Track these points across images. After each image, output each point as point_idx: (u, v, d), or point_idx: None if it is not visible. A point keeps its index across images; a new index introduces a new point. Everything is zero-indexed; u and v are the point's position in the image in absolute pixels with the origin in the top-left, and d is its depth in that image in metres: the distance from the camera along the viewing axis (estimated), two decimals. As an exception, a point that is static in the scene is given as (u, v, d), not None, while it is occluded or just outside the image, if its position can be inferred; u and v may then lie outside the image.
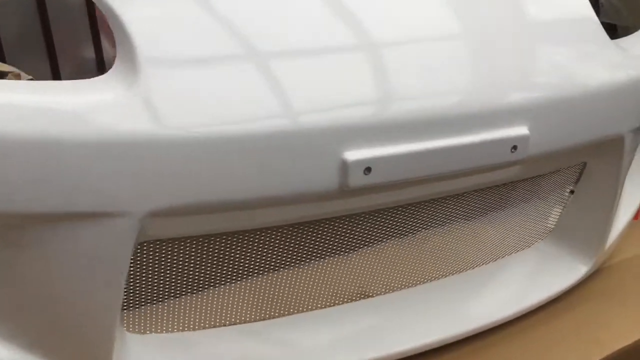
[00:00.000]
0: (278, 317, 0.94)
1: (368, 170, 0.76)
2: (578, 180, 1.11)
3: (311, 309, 0.97)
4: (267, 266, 0.89)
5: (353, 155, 0.74)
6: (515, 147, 0.85)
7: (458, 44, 0.83)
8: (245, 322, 0.93)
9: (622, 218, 1.20)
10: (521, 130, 0.85)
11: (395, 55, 0.78)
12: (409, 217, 0.98)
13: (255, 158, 0.70)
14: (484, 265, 1.13)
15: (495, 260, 1.13)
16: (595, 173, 1.08)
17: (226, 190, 0.71)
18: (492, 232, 1.10)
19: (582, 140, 0.94)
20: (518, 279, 1.12)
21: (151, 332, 0.88)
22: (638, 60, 0.98)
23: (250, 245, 0.86)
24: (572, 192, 1.13)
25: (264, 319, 0.93)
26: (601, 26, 0.97)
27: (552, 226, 1.17)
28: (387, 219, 0.96)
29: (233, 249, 0.85)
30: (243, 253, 0.86)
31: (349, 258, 0.97)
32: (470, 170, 0.84)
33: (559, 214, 1.15)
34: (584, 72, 0.92)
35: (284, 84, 0.72)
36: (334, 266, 0.95)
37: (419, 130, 0.78)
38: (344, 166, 0.74)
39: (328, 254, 0.93)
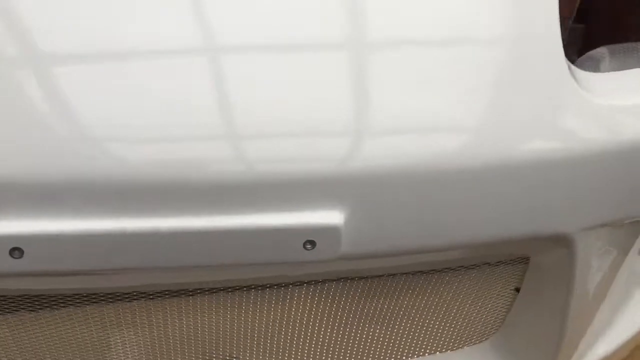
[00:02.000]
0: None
1: (18, 252, 0.49)
2: (524, 275, 0.73)
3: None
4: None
5: (-9, 227, 0.48)
6: (312, 243, 0.52)
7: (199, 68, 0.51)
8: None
9: (613, 336, 0.80)
10: (324, 217, 0.52)
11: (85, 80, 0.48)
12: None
13: None
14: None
15: None
16: (542, 271, 0.70)
17: None
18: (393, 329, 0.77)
19: (465, 240, 0.57)
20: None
21: None
22: (608, 116, 0.58)
23: None
24: (517, 290, 0.75)
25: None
26: (560, 50, 0.58)
27: (490, 331, 0.80)
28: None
29: None
30: None
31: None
32: (224, 266, 0.53)
33: (499, 316, 0.78)
34: (484, 132, 0.55)
35: None
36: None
37: (116, 201, 0.48)
38: (-24, 242, 0.48)
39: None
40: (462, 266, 0.69)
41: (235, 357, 0.74)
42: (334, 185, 0.51)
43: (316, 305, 0.70)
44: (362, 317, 0.73)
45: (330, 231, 0.52)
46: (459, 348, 0.80)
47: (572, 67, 0.63)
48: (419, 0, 0.58)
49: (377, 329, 0.75)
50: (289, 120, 0.51)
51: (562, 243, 0.63)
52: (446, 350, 0.80)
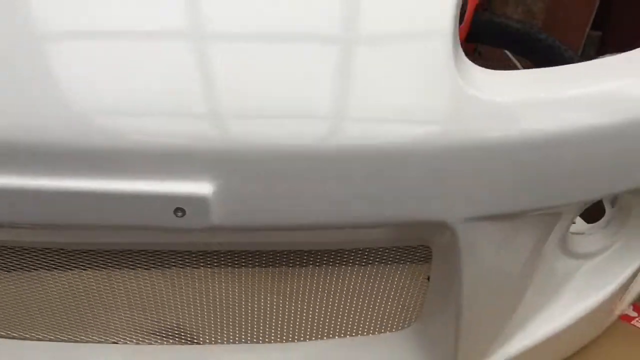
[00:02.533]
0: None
1: None
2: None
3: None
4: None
5: None
6: (182, 211, 0.58)
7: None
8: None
9: (529, 335, 0.81)
10: (196, 188, 0.57)
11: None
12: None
13: None
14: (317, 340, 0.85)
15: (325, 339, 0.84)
16: (442, 260, 0.72)
17: None
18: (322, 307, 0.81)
19: (335, 220, 0.61)
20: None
21: None
22: (492, 112, 0.60)
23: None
24: (428, 278, 0.77)
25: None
26: (448, 48, 0.61)
27: (411, 319, 0.82)
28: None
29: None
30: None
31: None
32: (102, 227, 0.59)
33: (417, 304, 0.80)
34: (346, 119, 0.58)
35: None
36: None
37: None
38: None
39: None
40: (360, 249, 0.73)
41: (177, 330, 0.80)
42: (203, 158, 0.56)
43: (234, 282, 0.76)
44: (277, 294, 0.77)
45: (198, 201, 0.57)
46: (380, 333, 0.83)
47: (469, 64, 0.65)
48: None
49: (295, 306, 0.79)
50: (162, 97, 0.56)
51: (446, 232, 0.65)
52: (367, 334, 0.83)
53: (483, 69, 0.65)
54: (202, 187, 0.57)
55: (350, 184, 0.59)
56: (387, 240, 0.71)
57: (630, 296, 0.98)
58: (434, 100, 0.60)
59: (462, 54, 0.64)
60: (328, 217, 0.61)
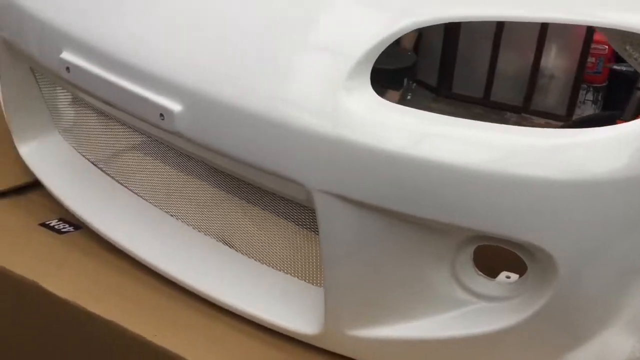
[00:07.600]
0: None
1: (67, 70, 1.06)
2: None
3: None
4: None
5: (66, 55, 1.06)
6: (162, 116, 0.95)
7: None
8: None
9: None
10: (171, 104, 0.94)
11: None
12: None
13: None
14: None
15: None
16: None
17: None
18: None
19: (245, 158, 0.93)
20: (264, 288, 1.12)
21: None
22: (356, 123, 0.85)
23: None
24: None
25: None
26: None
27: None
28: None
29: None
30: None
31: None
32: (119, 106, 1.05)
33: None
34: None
35: None
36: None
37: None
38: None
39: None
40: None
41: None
42: (180, 88, 0.94)
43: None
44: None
45: (170, 111, 0.95)
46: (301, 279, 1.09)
47: (366, 87, 0.87)
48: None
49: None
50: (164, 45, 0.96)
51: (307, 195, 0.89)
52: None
53: (378, 97, 0.86)
54: (173, 105, 0.94)
55: (251, 134, 0.89)
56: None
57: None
58: (316, 98, 0.85)
59: (367, 77, 0.86)
60: (243, 155, 0.92)
